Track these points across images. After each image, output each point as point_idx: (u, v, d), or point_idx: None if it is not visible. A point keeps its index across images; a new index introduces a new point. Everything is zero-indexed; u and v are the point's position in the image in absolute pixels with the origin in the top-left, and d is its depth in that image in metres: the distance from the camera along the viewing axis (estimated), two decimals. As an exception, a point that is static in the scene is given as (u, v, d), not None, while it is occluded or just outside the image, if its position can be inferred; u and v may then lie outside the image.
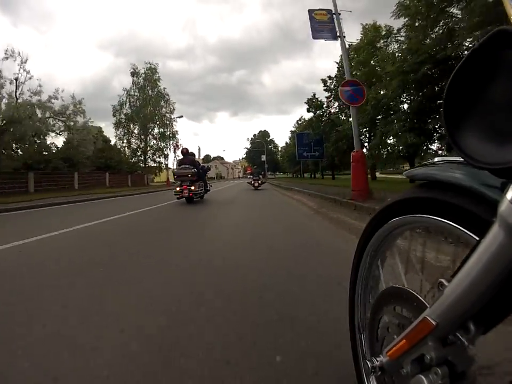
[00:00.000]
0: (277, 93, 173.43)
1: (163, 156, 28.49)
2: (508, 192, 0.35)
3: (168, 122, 29.09)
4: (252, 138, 71.98)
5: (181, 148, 8.41)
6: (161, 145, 28.50)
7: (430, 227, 0.53)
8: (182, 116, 30.39)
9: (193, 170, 7.22)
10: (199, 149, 67.60)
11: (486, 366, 0.43)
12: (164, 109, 29.35)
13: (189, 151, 8.21)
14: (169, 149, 29.14)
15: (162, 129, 28.38)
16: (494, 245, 0.36)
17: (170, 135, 29.37)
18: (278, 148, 72.30)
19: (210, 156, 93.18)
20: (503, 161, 0.34)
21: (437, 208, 0.49)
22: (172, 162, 34.12)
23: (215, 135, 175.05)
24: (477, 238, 0.40)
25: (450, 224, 0.46)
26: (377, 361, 0.52)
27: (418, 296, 0.49)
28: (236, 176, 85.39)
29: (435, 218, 0.48)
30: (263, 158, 45.03)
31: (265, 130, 74.03)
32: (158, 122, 28.33)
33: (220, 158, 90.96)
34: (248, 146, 70.63)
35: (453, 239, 0.49)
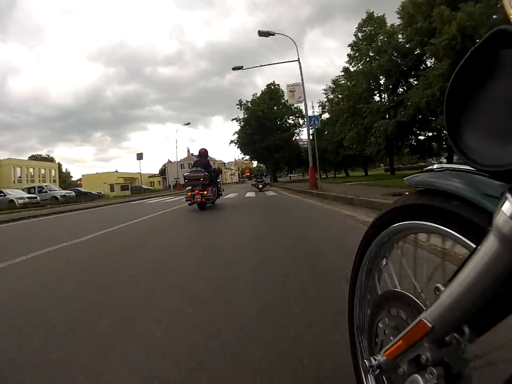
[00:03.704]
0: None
1: None
2: (503, 202, 0.36)
3: None
4: (247, 102, 34.15)
5: (199, 148, 7.60)
6: None
7: (429, 233, 0.54)
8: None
9: (205, 173, 6.68)
10: (188, 150, 52.74)
11: (480, 367, 0.45)
12: None
13: (207, 153, 7.54)
14: None
15: None
16: (489, 253, 0.37)
17: None
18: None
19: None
20: (503, 164, 0.35)
21: (435, 215, 0.50)
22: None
23: (211, 140, 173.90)
24: (474, 245, 0.42)
25: (448, 231, 0.47)
26: (375, 360, 0.54)
27: (416, 300, 0.51)
28: (230, 181, 58.36)
29: (433, 225, 0.50)
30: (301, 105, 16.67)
31: (273, 84, 34.28)
32: None
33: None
34: (242, 116, 34.27)
35: (450, 245, 0.50)
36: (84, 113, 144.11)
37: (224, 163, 68.28)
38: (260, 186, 15.37)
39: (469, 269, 0.40)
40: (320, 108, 30.64)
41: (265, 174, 14.96)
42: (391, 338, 0.53)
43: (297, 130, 35.11)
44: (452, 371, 0.44)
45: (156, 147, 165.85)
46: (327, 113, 30.05)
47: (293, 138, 35.42)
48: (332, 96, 28.37)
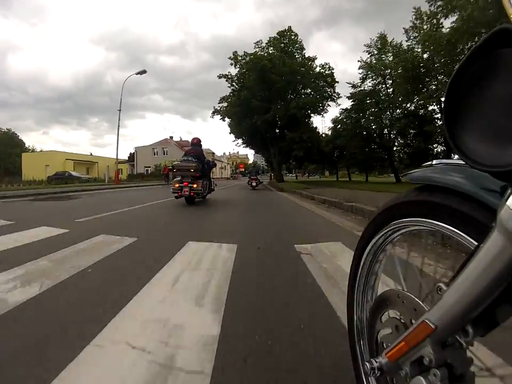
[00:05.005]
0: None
1: None
2: (507, 197, 0.35)
3: None
4: (245, 55, 19.75)
5: (192, 138, 6.73)
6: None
7: (429, 231, 0.53)
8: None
9: (197, 164, 5.88)
10: (180, 139, 44.22)
11: (484, 368, 0.44)
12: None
13: (200, 142, 6.71)
14: None
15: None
16: (493, 250, 0.36)
17: None
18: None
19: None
20: (503, 164, 0.34)
21: (435, 212, 0.49)
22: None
23: (208, 133, 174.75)
24: (476, 243, 0.41)
25: (449, 228, 0.46)
26: (377, 362, 0.53)
27: (417, 300, 0.50)
28: (219, 176, 47.40)
29: (433, 222, 0.49)
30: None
31: (288, 31, 20.34)
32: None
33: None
34: (235, 71, 20.65)
35: (451, 243, 0.49)
36: (82, 97, 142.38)
37: (213, 153, 54.23)
38: (254, 184, 15.12)
39: (471, 267, 0.39)
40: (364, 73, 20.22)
41: (260, 172, 13.71)
42: (393, 339, 0.51)
43: (323, 103, 20.94)
44: (455, 372, 0.43)
45: (152, 136, 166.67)
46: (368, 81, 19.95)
47: (310, 120, 22.11)
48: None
